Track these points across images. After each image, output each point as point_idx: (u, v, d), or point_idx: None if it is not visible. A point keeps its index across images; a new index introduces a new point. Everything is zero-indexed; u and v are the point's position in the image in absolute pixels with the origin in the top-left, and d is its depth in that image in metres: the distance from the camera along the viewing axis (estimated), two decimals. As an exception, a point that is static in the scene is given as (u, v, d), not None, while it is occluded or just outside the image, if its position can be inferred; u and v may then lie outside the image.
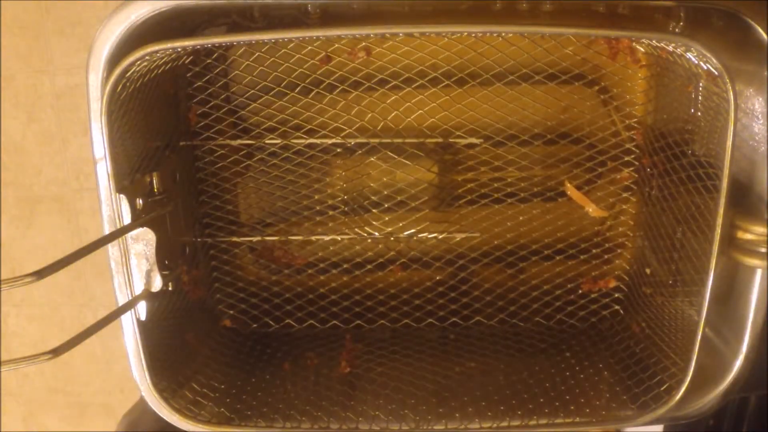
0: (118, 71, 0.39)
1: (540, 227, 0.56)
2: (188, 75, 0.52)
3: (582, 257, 0.57)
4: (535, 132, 0.54)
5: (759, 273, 0.44)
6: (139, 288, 0.45)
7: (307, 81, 0.53)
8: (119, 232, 0.42)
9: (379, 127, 0.54)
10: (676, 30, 0.45)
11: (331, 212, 0.57)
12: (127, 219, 0.43)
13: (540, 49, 0.51)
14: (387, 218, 0.56)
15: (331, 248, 0.58)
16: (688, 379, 0.43)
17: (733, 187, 0.39)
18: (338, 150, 0.55)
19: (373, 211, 0.56)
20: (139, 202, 0.44)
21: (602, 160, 0.54)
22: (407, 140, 0.54)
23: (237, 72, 0.53)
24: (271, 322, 0.58)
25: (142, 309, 0.45)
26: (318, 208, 0.57)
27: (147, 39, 0.40)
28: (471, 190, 0.56)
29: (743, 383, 0.46)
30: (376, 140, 0.54)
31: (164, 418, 0.48)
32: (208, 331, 0.56)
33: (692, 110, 0.46)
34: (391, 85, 0.52)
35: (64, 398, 1.13)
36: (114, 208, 0.42)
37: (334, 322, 0.57)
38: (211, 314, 0.58)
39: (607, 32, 0.46)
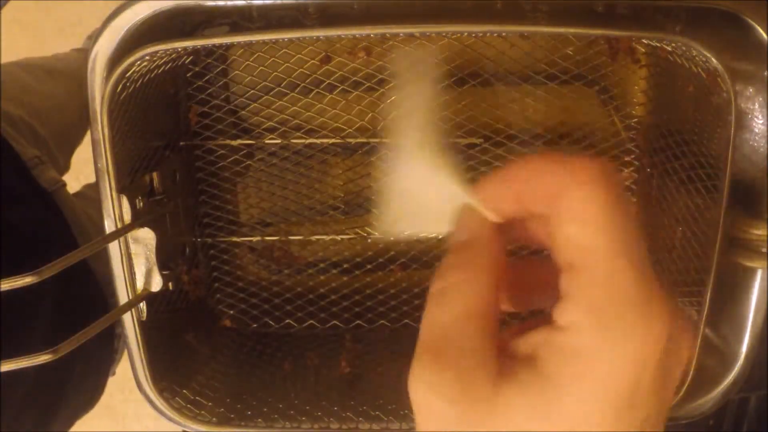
0: (118, 71, 0.39)
1: (540, 227, 0.56)
2: (188, 75, 0.52)
3: (582, 257, 0.57)
4: (535, 132, 0.54)
5: (759, 273, 0.44)
6: (139, 288, 0.45)
7: (307, 81, 0.53)
8: (119, 232, 0.42)
9: (379, 127, 0.54)
10: (676, 30, 0.45)
11: (331, 212, 0.57)
12: (127, 219, 0.43)
13: (540, 49, 0.51)
14: (387, 218, 0.56)
15: (331, 248, 0.58)
16: (688, 379, 0.43)
17: (734, 187, 0.39)
18: (338, 150, 0.55)
19: (373, 211, 0.56)
20: (140, 202, 0.44)
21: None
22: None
23: (237, 72, 0.53)
24: (271, 322, 0.58)
25: (142, 309, 0.45)
26: (318, 208, 0.57)
27: (147, 39, 0.40)
28: (471, 190, 0.55)
29: (743, 383, 0.46)
30: (376, 140, 0.54)
31: (164, 417, 0.48)
32: (208, 331, 0.56)
33: (692, 110, 0.46)
34: (391, 85, 0.52)
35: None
36: (114, 208, 0.42)
37: (334, 322, 0.57)
38: (211, 314, 0.58)
39: (607, 32, 0.46)
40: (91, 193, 0.86)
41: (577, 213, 0.19)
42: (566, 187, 0.19)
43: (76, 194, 0.81)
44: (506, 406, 0.19)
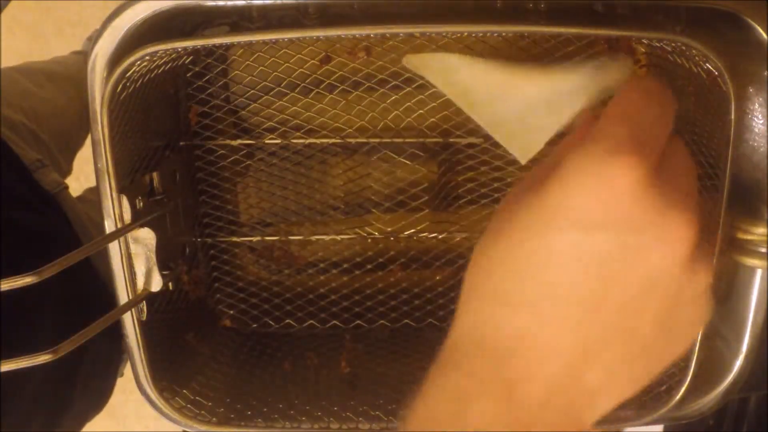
0: (118, 71, 0.39)
1: (540, 227, 0.56)
2: (188, 75, 0.52)
3: (582, 257, 0.57)
4: (535, 132, 0.54)
5: (759, 273, 0.44)
6: (139, 288, 0.45)
7: (307, 81, 0.53)
8: (119, 232, 0.42)
9: (379, 127, 0.54)
10: (676, 30, 0.45)
11: (331, 212, 0.57)
12: (127, 219, 0.43)
13: (540, 49, 0.51)
14: (387, 218, 0.56)
15: (331, 248, 0.58)
16: (688, 379, 0.43)
17: (734, 187, 0.39)
18: (338, 150, 0.55)
19: (373, 211, 0.56)
20: (140, 202, 0.44)
21: (602, 160, 0.54)
22: (407, 140, 0.54)
23: (237, 72, 0.53)
24: (271, 322, 0.58)
25: (142, 309, 0.45)
26: (318, 208, 0.57)
27: (147, 39, 0.40)
28: (471, 190, 0.56)
29: (743, 383, 0.46)
30: (376, 140, 0.54)
31: (164, 417, 0.48)
32: (208, 331, 0.56)
33: (692, 110, 0.46)
34: (391, 85, 0.52)
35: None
36: (114, 208, 0.42)
37: (334, 322, 0.57)
38: (211, 314, 0.58)
39: (607, 32, 0.46)
40: (92, 197, 0.86)
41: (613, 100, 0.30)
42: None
43: (78, 198, 0.81)
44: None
